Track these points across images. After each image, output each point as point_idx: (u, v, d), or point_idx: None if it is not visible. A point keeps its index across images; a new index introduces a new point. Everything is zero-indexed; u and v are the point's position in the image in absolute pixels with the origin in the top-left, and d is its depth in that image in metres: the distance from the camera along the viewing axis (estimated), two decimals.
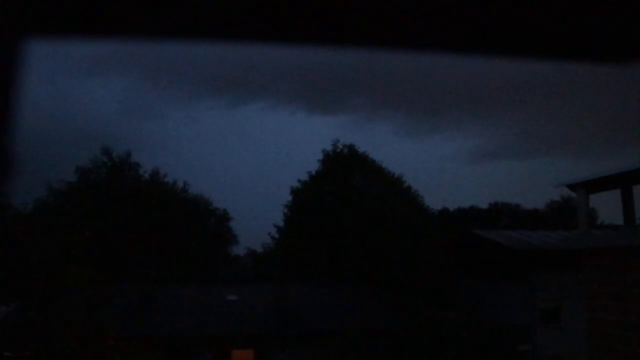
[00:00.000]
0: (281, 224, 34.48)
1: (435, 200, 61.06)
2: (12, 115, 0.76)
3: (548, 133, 57.53)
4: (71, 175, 32.77)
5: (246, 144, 64.40)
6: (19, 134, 0.77)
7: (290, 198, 34.47)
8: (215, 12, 0.92)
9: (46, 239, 16.29)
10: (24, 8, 0.82)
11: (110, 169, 33.76)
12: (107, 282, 17.24)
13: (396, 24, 0.97)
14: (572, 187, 16.24)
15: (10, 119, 0.76)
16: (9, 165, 0.75)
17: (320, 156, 34.35)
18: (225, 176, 58.76)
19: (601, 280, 9.87)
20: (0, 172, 0.75)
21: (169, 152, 53.25)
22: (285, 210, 34.45)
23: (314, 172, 34.21)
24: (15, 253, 15.10)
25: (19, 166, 0.75)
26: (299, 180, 34.41)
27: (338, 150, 34.35)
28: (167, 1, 0.89)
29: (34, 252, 15.43)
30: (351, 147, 34.53)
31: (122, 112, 53.77)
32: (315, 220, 31.18)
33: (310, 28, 0.97)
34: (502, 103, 46.48)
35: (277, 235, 34.52)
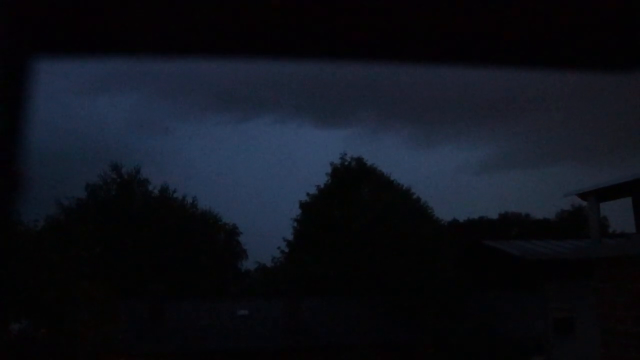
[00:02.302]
0: (291, 237, 34.43)
1: (444, 211, 60.72)
2: (22, 134, 0.77)
3: (557, 142, 57.29)
4: (82, 192, 33.00)
5: (254, 159, 64.53)
6: (29, 152, 0.77)
7: (299, 212, 34.43)
8: (220, 28, 0.92)
9: (56, 255, 16.36)
10: (33, 28, 0.83)
11: (120, 185, 33.91)
12: (117, 298, 17.29)
13: (401, 37, 0.97)
14: (582, 195, 16.16)
15: (20, 138, 0.77)
16: (19, 184, 0.76)
17: (329, 169, 34.34)
18: (234, 191, 58.80)
19: (614, 290, 9.77)
20: (10, 190, 0.75)
21: (177, 167, 53.46)
22: (295, 224, 34.41)
23: (322, 186, 34.18)
24: (25, 270, 15.17)
25: (29, 185, 0.76)
26: (307, 194, 34.39)
27: (346, 163, 34.32)
28: (173, 19, 0.90)
29: (45, 269, 15.50)
30: (359, 160, 34.49)
31: (131, 128, 54.13)
32: (324, 233, 31.10)
33: (315, 43, 0.98)
34: (509, 113, 46.39)
35: (286, 249, 34.45)
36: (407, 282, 25.54)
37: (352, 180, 33.26)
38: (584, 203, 17.08)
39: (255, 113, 55.96)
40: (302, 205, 34.28)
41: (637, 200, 14.66)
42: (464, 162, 62.88)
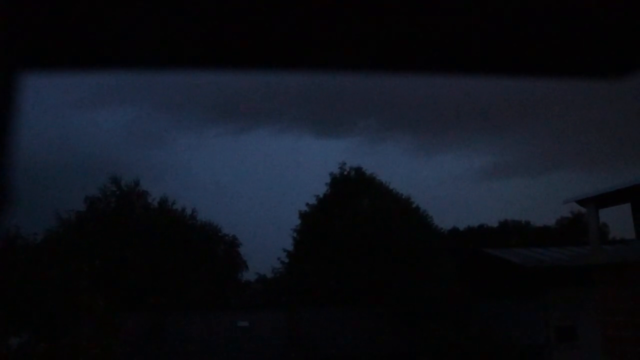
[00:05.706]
0: (291, 248, 34.39)
1: (444, 219, 60.69)
2: (9, 150, 0.76)
3: (556, 149, 57.39)
4: (81, 205, 32.99)
5: (254, 170, 64.57)
6: (17, 167, 0.76)
7: (299, 222, 34.41)
8: (219, 40, 0.92)
9: (56, 269, 16.32)
10: (27, 42, 0.83)
11: (119, 197, 33.89)
12: (117, 311, 17.20)
13: (400, 46, 0.97)
14: (581, 202, 16.14)
15: (7, 154, 0.76)
16: (5, 201, 0.75)
17: (328, 179, 34.35)
18: (233, 202, 58.80)
19: (615, 297, 9.74)
20: None
21: (177, 179, 53.46)
22: (295, 235, 34.37)
23: (322, 196, 34.17)
24: (25, 284, 15.13)
25: (16, 201, 0.75)
26: (307, 204, 34.38)
27: (345, 173, 34.33)
28: (172, 31, 0.89)
29: (44, 282, 15.45)
30: (358, 170, 34.51)
31: (130, 141, 54.18)
32: (324, 243, 31.07)
33: (314, 53, 0.97)
34: (509, 121, 46.51)
35: (286, 260, 34.40)
36: (408, 291, 25.47)
37: (352, 190, 33.26)
38: (584, 210, 17.06)
39: (254, 124, 56.06)
40: (302, 216, 34.27)
41: (637, 206, 14.66)
42: (464, 170, 62.93)
